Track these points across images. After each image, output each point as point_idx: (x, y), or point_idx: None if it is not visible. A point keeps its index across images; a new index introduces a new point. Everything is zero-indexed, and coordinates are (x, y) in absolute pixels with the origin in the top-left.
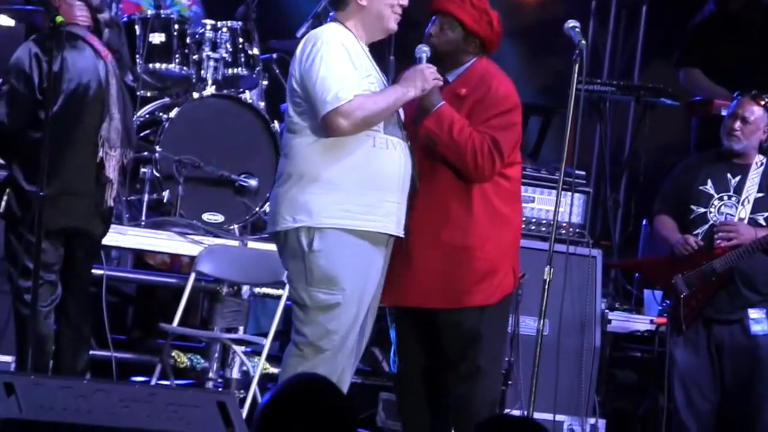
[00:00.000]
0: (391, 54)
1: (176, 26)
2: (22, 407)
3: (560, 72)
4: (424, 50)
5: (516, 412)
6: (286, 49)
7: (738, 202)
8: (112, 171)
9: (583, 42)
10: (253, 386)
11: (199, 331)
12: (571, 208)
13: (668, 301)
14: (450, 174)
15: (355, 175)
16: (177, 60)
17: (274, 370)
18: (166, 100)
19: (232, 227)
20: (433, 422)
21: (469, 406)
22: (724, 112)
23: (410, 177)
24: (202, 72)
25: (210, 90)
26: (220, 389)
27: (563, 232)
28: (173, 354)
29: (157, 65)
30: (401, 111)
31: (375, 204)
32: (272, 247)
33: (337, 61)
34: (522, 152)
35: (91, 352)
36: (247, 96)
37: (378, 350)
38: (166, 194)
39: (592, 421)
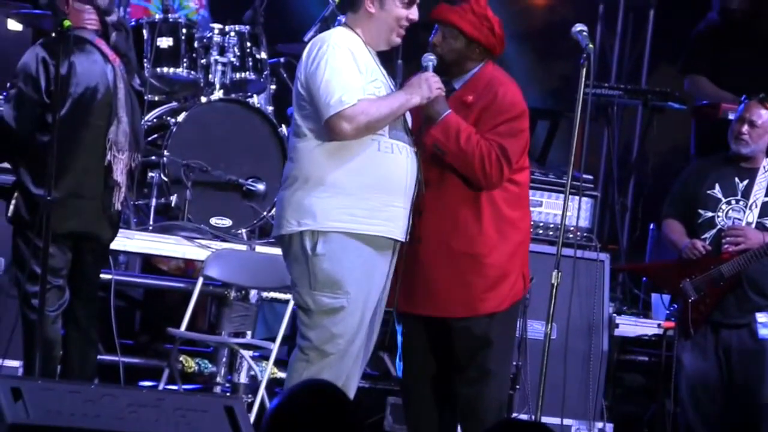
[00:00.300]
0: (400, 57)
1: (184, 30)
2: (30, 412)
3: (568, 76)
4: (430, 59)
5: (524, 416)
6: (294, 53)
7: (746, 207)
8: (119, 175)
9: (591, 46)
10: (261, 391)
11: (207, 336)
12: (578, 212)
13: (676, 306)
14: (458, 181)
15: (359, 179)
16: (185, 64)
17: (281, 374)
18: (174, 104)
19: (239, 231)
20: (441, 426)
21: (477, 410)
22: (731, 116)
23: (416, 181)
24: (210, 76)
25: (218, 94)
26: (227, 394)
27: (571, 236)
28: (181, 358)
29: (165, 69)
30: (408, 115)
31: (379, 208)
32: (280, 251)
33: (342, 65)
34: (529, 156)
35: (98, 356)
36: (255, 100)
37: (386, 355)
38: (173, 198)
39: (599, 425)
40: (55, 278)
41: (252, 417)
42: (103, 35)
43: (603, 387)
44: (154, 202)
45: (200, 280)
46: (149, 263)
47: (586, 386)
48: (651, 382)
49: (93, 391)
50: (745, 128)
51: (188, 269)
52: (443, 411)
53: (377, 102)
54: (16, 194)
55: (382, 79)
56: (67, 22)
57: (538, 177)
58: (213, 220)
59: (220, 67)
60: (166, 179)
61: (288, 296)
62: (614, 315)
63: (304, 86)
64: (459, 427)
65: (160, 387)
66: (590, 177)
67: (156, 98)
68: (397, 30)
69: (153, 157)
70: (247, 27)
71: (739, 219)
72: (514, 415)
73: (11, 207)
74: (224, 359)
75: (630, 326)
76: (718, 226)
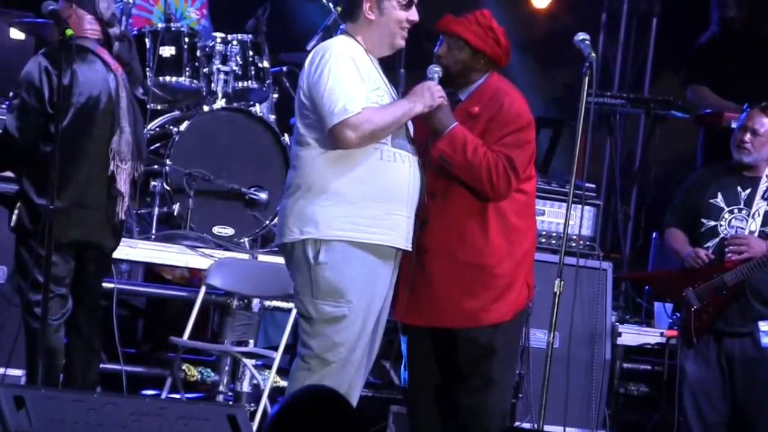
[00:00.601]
0: (402, 67)
1: (186, 39)
2: (33, 421)
3: (570, 84)
4: (435, 70)
5: (526, 425)
6: (297, 62)
7: (748, 215)
8: (122, 184)
9: (593, 54)
10: (264, 399)
11: (210, 345)
12: (581, 220)
13: (679, 314)
14: (465, 192)
15: (362, 188)
16: (187, 73)
17: (284, 383)
18: (177, 113)
19: (242, 240)
20: None
21: (480, 418)
22: (734, 125)
23: (419, 190)
24: (213, 85)
25: (220, 103)
26: (230, 402)
27: (573, 244)
28: (184, 367)
29: (168, 78)
30: (410, 124)
31: (382, 217)
32: (282, 260)
33: (345, 74)
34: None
35: (101, 365)
36: (258, 109)
37: (388, 363)
38: (176, 207)
39: None
40: (57, 287)
41: (255, 425)
42: (105, 44)
43: (605, 396)
44: (156, 211)
45: (203, 289)
46: (154, 272)
47: (588, 395)
48: (654, 390)
49: (96, 400)
50: (748, 137)
51: (193, 278)
52: (447, 420)
53: (381, 110)
54: (18, 203)
55: (385, 87)
56: (69, 31)
57: (540, 186)
58: (215, 229)
59: (222, 76)
60: (168, 188)
61: (290, 305)
62: (617, 324)
63: (307, 95)
64: None
65: (163, 396)
66: (593, 186)
67: (158, 107)
68: (400, 32)
69: (155, 167)
70: (250, 36)
71: (742, 228)
72: (517, 424)
73: (14, 216)
74: (227, 368)
75: (633, 335)
76: (721, 235)
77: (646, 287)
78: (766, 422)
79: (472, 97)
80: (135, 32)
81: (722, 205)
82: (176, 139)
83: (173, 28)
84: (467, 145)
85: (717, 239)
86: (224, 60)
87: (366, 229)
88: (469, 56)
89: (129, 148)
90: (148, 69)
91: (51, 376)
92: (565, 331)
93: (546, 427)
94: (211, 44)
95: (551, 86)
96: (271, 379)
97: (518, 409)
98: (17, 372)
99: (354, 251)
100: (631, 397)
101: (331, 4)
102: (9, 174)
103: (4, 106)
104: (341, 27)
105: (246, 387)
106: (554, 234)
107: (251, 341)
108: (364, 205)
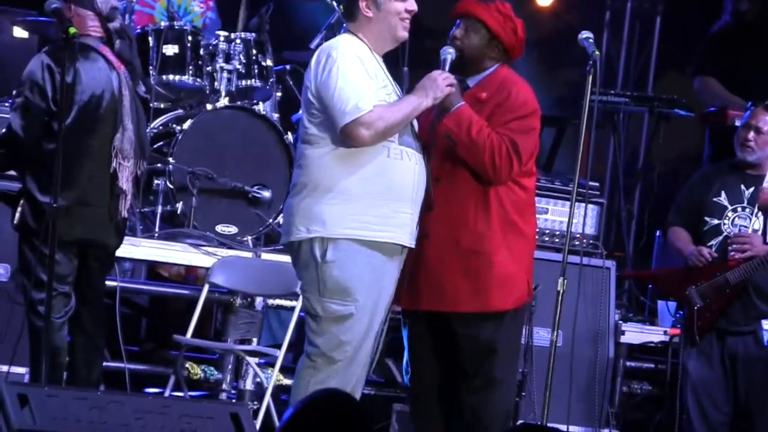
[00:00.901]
0: (405, 64)
1: (190, 38)
2: (36, 419)
3: (574, 83)
4: (449, 52)
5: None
6: (300, 60)
7: (752, 214)
8: (125, 182)
9: (597, 53)
10: (267, 398)
11: (213, 343)
12: (584, 219)
13: (682, 313)
14: (469, 178)
15: (369, 186)
16: (190, 71)
17: (287, 381)
18: (180, 111)
19: (245, 239)
20: None
21: (483, 417)
22: (738, 123)
23: (424, 187)
24: (216, 83)
25: (223, 101)
26: (233, 401)
27: (577, 243)
28: (187, 365)
29: (171, 77)
30: (415, 121)
31: (389, 215)
32: (286, 258)
33: (353, 72)
34: (535, 163)
35: (104, 363)
36: (261, 107)
37: (391, 361)
38: (179, 206)
39: None
40: (61, 285)
41: (258, 424)
42: (107, 42)
43: (609, 394)
44: (159, 209)
45: (206, 288)
46: (154, 270)
47: (591, 393)
48: (657, 389)
49: (99, 398)
50: (751, 135)
51: (189, 276)
52: (450, 419)
53: (392, 107)
54: (22, 202)
55: (390, 84)
56: (72, 29)
57: (544, 184)
58: (219, 228)
59: (225, 75)
60: (171, 187)
61: (293, 303)
62: (620, 322)
63: (315, 94)
64: None
65: (166, 394)
66: (596, 184)
67: (161, 106)
68: (401, 24)
69: (159, 165)
70: (253, 34)
71: (745, 226)
72: (520, 422)
73: (17, 214)
74: (230, 366)
75: (636, 333)
76: (724, 234)
77: (650, 286)
78: None
79: (481, 84)
80: (138, 31)
81: (725, 203)
82: (179, 137)
83: (176, 27)
84: (473, 125)
85: (720, 237)
86: (227, 58)
87: (373, 227)
88: (485, 41)
89: (131, 146)
90: (151, 67)
91: (54, 374)
92: (569, 329)
93: (550, 425)
94: (214, 42)
95: (555, 85)
96: (274, 377)
97: (521, 408)
98: (21, 370)
99: (361, 250)
100: (634, 395)
101: (334, 3)
102: (12, 172)
103: (7, 104)
104: (345, 25)
105: (249, 385)
106: (557, 232)
107: (254, 339)
108: (371, 203)
